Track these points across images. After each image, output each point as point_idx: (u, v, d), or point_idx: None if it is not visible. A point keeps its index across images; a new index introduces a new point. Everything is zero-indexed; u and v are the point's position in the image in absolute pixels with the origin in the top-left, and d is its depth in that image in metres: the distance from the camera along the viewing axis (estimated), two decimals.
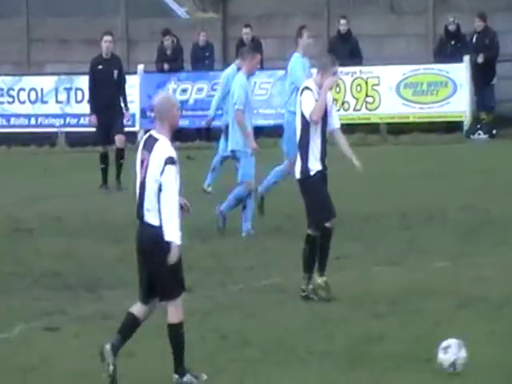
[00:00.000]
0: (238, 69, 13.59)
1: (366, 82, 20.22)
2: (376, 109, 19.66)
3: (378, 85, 20.01)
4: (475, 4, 20.76)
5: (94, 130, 16.47)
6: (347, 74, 20.02)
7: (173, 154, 7.44)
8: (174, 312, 7.52)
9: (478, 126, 19.25)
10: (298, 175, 9.91)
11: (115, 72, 15.41)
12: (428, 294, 9.53)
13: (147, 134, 7.67)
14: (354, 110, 19.97)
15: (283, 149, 13.43)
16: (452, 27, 20.15)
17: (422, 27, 21.64)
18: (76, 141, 20.94)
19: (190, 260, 9.18)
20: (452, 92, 20.04)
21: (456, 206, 13.24)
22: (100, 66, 15.53)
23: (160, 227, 7.36)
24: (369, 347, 8.22)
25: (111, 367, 7.33)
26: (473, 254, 10.83)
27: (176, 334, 7.58)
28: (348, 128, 15.68)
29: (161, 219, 7.31)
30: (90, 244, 12.59)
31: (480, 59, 19.16)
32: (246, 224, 12.40)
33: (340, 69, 12.26)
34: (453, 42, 19.82)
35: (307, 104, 9.70)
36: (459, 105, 19.87)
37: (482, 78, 19.42)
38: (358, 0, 21.58)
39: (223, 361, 7.95)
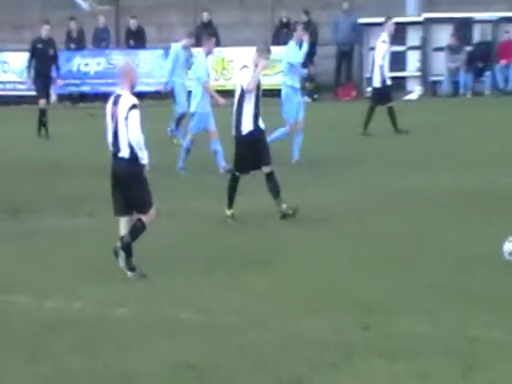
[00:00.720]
0: (184, 47, 16.93)
1: (223, 60, 24.17)
2: (230, 79, 23.09)
3: (232, 61, 23.84)
4: (302, 2, 24.32)
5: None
6: None
7: (135, 101, 8.89)
8: (146, 218, 9.01)
9: (304, 92, 22.12)
10: (233, 133, 11.22)
11: (51, 50, 19.07)
12: None
13: (114, 94, 9.09)
14: (215, 80, 22.45)
15: (283, 116, 15.05)
16: (284, 20, 24.20)
17: (263, 19, 25.43)
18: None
19: None
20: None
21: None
22: (40, 45, 18.99)
23: (130, 159, 8.88)
24: None
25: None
26: None
27: (138, 227, 9.02)
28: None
29: (131, 152, 8.84)
30: (15, 179, 13.87)
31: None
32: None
33: None
34: (285, 31, 23.36)
35: (245, 78, 11.07)
36: None
37: (307, 56, 25.78)
38: None
39: None
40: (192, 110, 14.45)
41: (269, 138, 12.45)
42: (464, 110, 20.71)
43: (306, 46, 15.31)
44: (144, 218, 8.99)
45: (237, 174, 11.23)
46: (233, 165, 11.35)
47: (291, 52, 15.20)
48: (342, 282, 8.44)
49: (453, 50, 23.57)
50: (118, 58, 23.75)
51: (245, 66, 11.28)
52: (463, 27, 23.87)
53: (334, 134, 17.77)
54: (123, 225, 9.02)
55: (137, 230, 8.98)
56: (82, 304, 8.14)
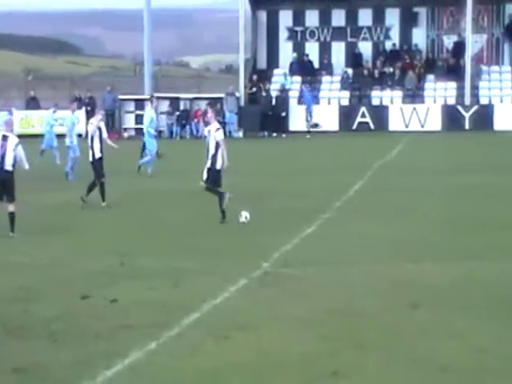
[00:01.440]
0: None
1: None
2: None
3: None
4: (88, 85, 47.79)
5: None
6: None
7: (18, 140, 15.88)
8: (13, 206, 15.68)
9: None
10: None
11: None
12: None
13: (1, 133, 15.82)
14: None
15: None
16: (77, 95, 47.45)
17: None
18: None
19: None
20: None
21: None
22: None
23: (12, 171, 15.75)
24: None
25: None
26: None
27: (13, 217, 15.72)
28: None
29: (13, 167, 15.69)
30: None
31: None
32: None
33: None
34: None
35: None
36: None
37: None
38: None
39: None
40: None
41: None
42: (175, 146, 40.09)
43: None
44: (11, 208, 15.81)
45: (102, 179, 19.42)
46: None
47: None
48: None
49: (169, 113, 43.33)
50: None
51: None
52: (175, 101, 43.79)
53: None
54: None
55: (13, 220, 15.97)
56: None
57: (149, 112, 26.85)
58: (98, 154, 19.54)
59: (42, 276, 12.70)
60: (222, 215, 17.20)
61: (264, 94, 43.31)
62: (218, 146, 17.20)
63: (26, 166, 16.38)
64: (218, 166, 17.24)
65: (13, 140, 16.12)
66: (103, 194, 19.49)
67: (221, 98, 43.71)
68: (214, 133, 17.31)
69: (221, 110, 43.50)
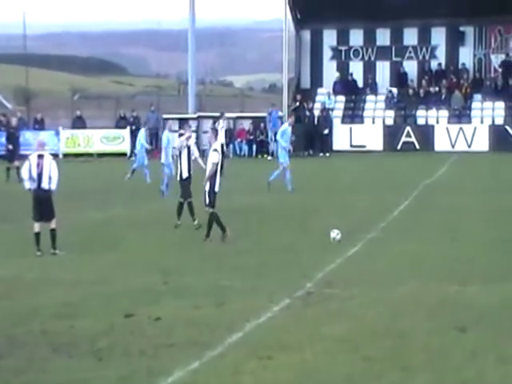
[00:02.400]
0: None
1: None
2: None
3: None
4: (132, 105, 48.62)
5: None
6: None
7: (52, 157, 16.38)
8: (54, 223, 15.97)
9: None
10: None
11: None
12: None
13: (37, 153, 16.05)
14: None
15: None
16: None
17: None
18: None
19: None
20: None
21: None
22: None
23: (49, 189, 15.90)
24: None
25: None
26: None
27: (54, 234, 15.92)
28: None
29: (49, 185, 15.87)
30: None
31: None
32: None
33: None
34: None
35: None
36: None
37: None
38: None
39: None
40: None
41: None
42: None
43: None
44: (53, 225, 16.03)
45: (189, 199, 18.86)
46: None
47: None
48: None
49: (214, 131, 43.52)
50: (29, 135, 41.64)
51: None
52: (218, 120, 43.94)
53: None
54: None
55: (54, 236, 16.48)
56: None
57: (220, 131, 27.16)
58: (185, 174, 18.92)
59: (87, 293, 12.77)
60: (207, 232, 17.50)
61: (308, 113, 43.31)
62: (215, 167, 17.19)
63: (53, 186, 16.28)
64: (216, 187, 17.35)
65: (48, 158, 16.35)
66: (192, 213, 18.99)
67: (264, 117, 43.79)
68: (210, 153, 17.42)
69: (264, 129, 43.59)
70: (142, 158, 29.08)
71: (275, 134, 42.02)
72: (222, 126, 28.90)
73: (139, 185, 29.08)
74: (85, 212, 22.15)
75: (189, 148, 18.94)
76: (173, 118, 44.42)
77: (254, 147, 43.63)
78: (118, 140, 43.90)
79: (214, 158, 17.22)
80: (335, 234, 16.79)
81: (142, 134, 30.19)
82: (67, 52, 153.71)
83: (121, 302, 12.09)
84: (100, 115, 46.07)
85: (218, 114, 35.68)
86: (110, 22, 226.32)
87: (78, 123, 44.24)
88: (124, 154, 43.63)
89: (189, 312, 11.50)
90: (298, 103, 44.18)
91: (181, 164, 18.94)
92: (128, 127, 44.18)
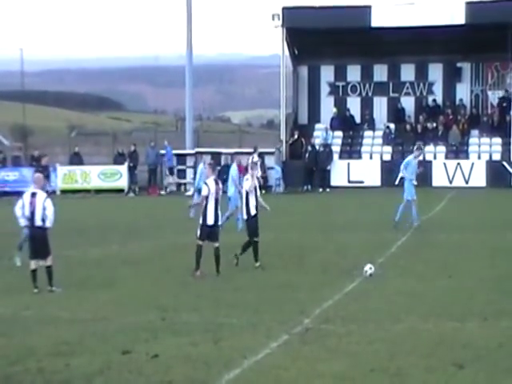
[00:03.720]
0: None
1: None
2: None
3: None
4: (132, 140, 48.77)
5: None
6: None
7: (46, 195, 16.11)
8: (50, 260, 15.95)
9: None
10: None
11: None
12: None
13: (30, 191, 16.02)
14: None
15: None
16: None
17: None
18: None
19: None
20: None
21: None
22: None
23: (43, 226, 15.87)
24: None
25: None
26: None
27: (50, 271, 15.96)
28: None
29: (43, 222, 15.86)
30: None
31: None
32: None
33: None
34: None
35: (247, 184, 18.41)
36: None
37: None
38: None
39: None
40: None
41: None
42: None
43: None
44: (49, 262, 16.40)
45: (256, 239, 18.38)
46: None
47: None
48: None
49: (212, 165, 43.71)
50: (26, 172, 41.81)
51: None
52: (216, 155, 44.13)
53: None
54: None
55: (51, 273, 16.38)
56: None
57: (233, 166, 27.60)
58: (253, 211, 18.66)
59: (83, 330, 12.78)
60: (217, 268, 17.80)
61: (310, 148, 43.61)
62: (203, 200, 17.62)
63: (49, 224, 16.25)
64: (209, 220, 17.66)
65: (41, 196, 16.36)
66: (256, 253, 18.62)
67: (262, 153, 44.02)
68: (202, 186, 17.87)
69: (262, 164, 43.77)
70: (235, 200, 26.16)
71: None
72: (256, 159, 28.74)
73: (136, 222, 29.14)
74: (82, 249, 22.20)
75: (255, 187, 18.89)
76: (176, 154, 44.75)
77: None
78: (115, 176, 44.03)
79: (204, 191, 17.62)
80: (368, 267, 17.09)
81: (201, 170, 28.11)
82: (65, 88, 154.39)
83: (118, 340, 12.10)
84: (97, 151, 46.22)
85: (251, 150, 35.81)
86: (108, 58, 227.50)
87: (76, 160, 44.40)
88: (121, 190, 43.75)
89: (186, 349, 11.52)
90: (296, 137, 44.47)
91: (249, 202, 18.72)
92: (126, 163, 44.36)
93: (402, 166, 26.31)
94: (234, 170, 26.79)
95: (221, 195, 18.02)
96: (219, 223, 18.12)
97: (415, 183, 25.88)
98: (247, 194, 18.69)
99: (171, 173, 43.49)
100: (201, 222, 17.66)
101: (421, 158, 28.46)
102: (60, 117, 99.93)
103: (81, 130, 66.19)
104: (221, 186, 18.02)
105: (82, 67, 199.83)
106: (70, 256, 19.94)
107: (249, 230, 18.79)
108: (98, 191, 42.88)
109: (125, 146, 45.52)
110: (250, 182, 18.69)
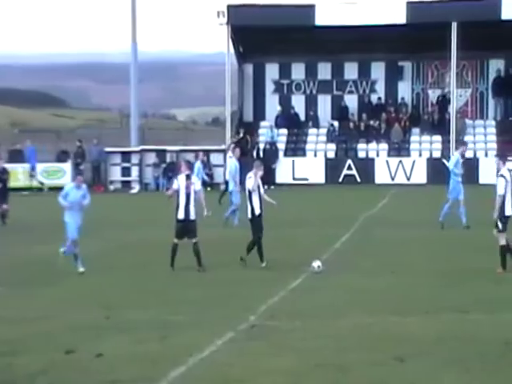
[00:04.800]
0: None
1: None
2: None
3: None
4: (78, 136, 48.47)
5: None
6: None
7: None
8: None
9: None
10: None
11: None
12: None
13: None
14: None
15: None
16: None
17: None
18: None
19: None
20: None
21: None
22: None
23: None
24: None
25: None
26: None
27: None
28: None
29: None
30: None
31: None
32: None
33: None
34: None
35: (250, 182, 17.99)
36: None
37: None
38: None
39: None
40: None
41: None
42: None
43: None
44: None
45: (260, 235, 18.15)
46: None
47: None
48: None
49: (156, 165, 43.46)
50: None
51: (249, 177, 18.11)
52: (161, 153, 43.93)
53: None
54: None
55: None
56: None
57: (232, 161, 27.10)
58: (257, 211, 18.38)
59: (27, 330, 12.64)
60: (198, 263, 17.86)
61: (256, 146, 43.63)
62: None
63: None
64: (180, 215, 17.93)
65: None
66: (261, 253, 18.41)
67: (207, 151, 43.97)
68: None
69: (207, 162, 43.69)
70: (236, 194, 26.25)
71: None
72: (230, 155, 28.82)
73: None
74: (26, 247, 21.93)
75: (259, 185, 18.72)
76: (116, 152, 44.48)
77: None
78: (58, 174, 43.56)
79: (174, 185, 18.07)
80: (316, 264, 17.25)
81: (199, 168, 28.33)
82: (7, 85, 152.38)
83: (62, 339, 12.00)
84: (40, 149, 45.63)
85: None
86: (51, 55, 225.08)
87: (17, 157, 43.68)
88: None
89: (131, 347, 11.47)
90: (241, 135, 44.44)
91: (252, 201, 18.49)
92: (69, 161, 43.93)
93: (450, 166, 24.92)
94: (233, 165, 26.57)
95: (193, 190, 17.95)
96: (192, 218, 17.94)
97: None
98: (250, 193, 18.44)
99: (32, 174, 42.46)
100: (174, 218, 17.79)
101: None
102: (2, 114, 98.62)
103: (23, 127, 65.45)
104: (193, 181, 18.05)
105: (24, 63, 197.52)
106: (14, 254, 19.69)
107: (253, 228, 18.45)
108: (41, 189, 42.38)
109: (68, 143, 45.03)
110: (252, 181, 18.46)
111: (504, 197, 16.86)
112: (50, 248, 21.70)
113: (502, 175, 16.97)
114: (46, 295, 15.50)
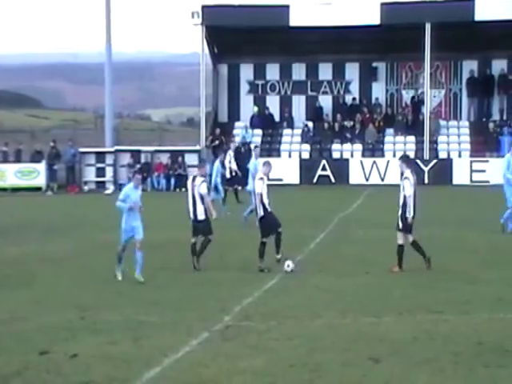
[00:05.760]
0: None
1: None
2: None
3: None
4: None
5: None
6: None
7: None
8: None
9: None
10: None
11: None
12: None
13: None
14: None
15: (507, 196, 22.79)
16: None
17: None
18: None
19: None
20: None
21: None
22: None
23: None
24: None
25: None
26: None
27: None
28: None
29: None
30: None
31: None
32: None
33: None
34: None
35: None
36: None
37: None
38: None
39: None
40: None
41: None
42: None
43: None
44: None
45: (264, 239, 17.86)
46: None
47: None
48: None
49: (130, 166, 43.29)
50: None
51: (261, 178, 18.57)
52: (136, 153, 43.78)
53: None
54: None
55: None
56: None
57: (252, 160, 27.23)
58: (269, 209, 18.79)
59: (0, 331, 12.53)
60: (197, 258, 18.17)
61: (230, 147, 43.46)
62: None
63: None
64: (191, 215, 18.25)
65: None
66: (278, 245, 18.53)
67: (182, 151, 43.94)
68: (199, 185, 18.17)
69: (182, 162, 43.65)
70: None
71: None
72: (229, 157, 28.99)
73: (55, 220, 28.75)
74: None
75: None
76: (90, 152, 44.29)
77: (172, 181, 43.57)
78: (33, 174, 43.33)
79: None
80: (287, 264, 17.39)
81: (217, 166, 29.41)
82: None
83: (36, 340, 11.92)
84: (14, 149, 45.35)
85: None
86: (26, 55, 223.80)
87: None
88: (39, 189, 43.12)
89: (106, 348, 11.41)
90: (217, 142, 44.30)
91: (263, 201, 18.81)
92: (43, 161, 43.72)
93: (504, 168, 23.38)
94: (253, 165, 26.57)
95: (197, 192, 18.06)
96: (199, 218, 18.19)
97: None
98: (261, 194, 18.73)
99: None
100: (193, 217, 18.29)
101: None
102: None
103: None
104: (197, 182, 18.19)
105: None
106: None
107: (270, 223, 18.44)
108: (15, 189, 42.14)
109: (43, 143, 44.79)
110: (260, 183, 18.92)
111: (411, 197, 17.15)
112: (22, 249, 21.57)
113: (406, 177, 17.29)
114: (19, 296, 15.39)
